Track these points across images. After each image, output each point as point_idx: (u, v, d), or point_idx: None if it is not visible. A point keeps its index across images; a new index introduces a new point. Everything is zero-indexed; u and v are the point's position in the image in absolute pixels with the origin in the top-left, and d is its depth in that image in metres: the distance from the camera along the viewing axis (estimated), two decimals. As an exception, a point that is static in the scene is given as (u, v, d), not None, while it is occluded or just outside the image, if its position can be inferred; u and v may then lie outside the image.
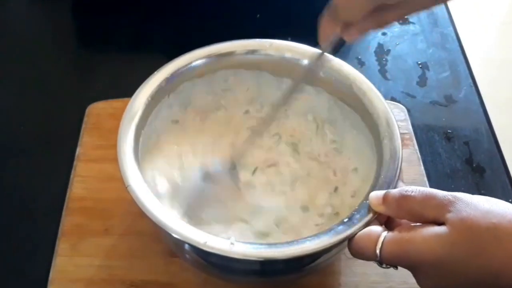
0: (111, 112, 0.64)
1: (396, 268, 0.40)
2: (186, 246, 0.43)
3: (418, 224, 0.39)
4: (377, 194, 0.42)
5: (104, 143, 0.61)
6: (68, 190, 0.58)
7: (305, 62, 0.54)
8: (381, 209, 0.42)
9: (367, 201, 0.43)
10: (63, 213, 0.56)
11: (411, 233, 0.38)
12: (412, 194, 0.39)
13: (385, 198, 0.41)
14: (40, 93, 0.70)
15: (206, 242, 0.41)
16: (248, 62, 0.55)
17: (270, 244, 0.42)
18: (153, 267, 0.53)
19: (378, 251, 0.39)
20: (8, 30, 0.79)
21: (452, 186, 0.61)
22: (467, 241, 0.36)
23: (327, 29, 0.50)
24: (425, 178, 0.60)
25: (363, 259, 0.41)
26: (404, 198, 0.40)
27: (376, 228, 0.41)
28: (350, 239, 0.41)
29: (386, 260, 0.39)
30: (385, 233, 0.40)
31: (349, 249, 0.42)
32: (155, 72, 0.52)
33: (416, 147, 0.63)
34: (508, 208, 0.37)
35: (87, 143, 0.62)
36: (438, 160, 0.63)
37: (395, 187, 0.44)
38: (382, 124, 0.48)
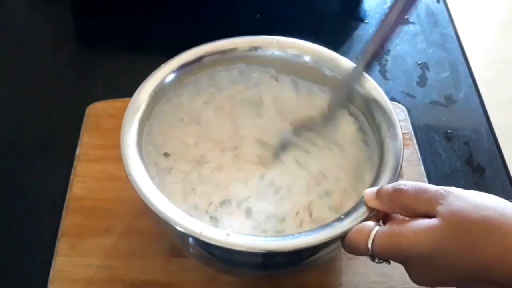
0: (111, 112, 0.64)
1: (389, 262, 0.40)
2: (185, 237, 0.43)
3: (409, 218, 0.39)
4: (371, 190, 0.43)
5: (104, 143, 0.61)
6: (68, 190, 0.58)
7: (308, 59, 0.54)
8: (374, 203, 0.42)
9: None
10: (63, 213, 0.56)
11: (402, 226, 0.38)
12: (405, 188, 0.40)
13: (378, 192, 0.42)
14: (40, 93, 0.70)
15: (202, 232, 0.41)
16: (256, 59, 0.55)
17: (266, 236, 0.42)
18: (153, 267, 0.53)
19: (369, 245, 0.39)
20: (8, 30, 0.79)
21: (452, 186, 0.60)
22: (457, 234, 0.36)
23: None
24: (425, 178, 0.60)
25: (355, 254, 0.41)
26: (396, 192, 0.40)
27: (368, 223, 0.41)
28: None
29: (378, 254, 0.39)
30: (377, 228, 0.40)
31: (342, 244, 0.42)
32: (162, 65, 0.52)
33: (416, 147, 0.63)
34: (499, 202, 0.37)
35: (87, 143, 0.62)
36: (438, 160, 0.63)
37: None
38: (385, 124, 0.49)
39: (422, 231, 0.37)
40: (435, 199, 0.38)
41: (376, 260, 0.40)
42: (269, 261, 0.45)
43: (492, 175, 0.62)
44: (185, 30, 0.77)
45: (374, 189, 0.43)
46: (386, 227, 0.39)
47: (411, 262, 0.39)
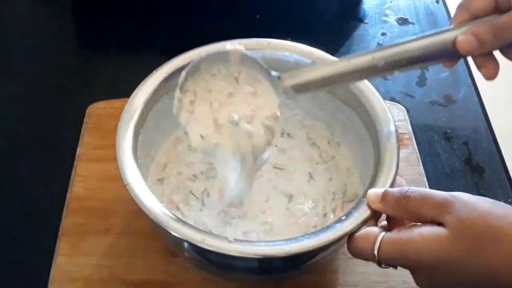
0: (111, 112, 0.64)
1: (396, 267, 0.40)
2: (185, 244, 0.43)
3: (416, 224, 0.39)
4: (376, 192, 0.42)
5: (104, 143, 0.61)
6: (69, 190, 0.58)
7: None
8: (379, 206, 0.42)
9: (365, 199, 0.43)
10: (64, 212, 0.57)
11: (409, 233, 0.38)
12: (412, 194, 0.39)
13: (384, 196, 0.41)
14: (40, 93, 0.70)
15: (204, 240, 0.41)
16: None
17: (268, 242, 0.42)
18: (153, 267, 0.53)
19: (376, 252, 0.39)
20: (9, 30, 0.79)
21: (452, 186, 0.61)
22: (465, 242, 0.36)
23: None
24: (425, 178, 0.60)
25: (363, 259, 0.41)
26: (403, 198, 0.40)
27: (373, 229, 0.41)
28: (348, 238, 0.41)
29: (384, 261, 0.39)
30: (382, 234, 0.40)
31: (349, 249, 0.42)
32: (154, 71, 0.52)
33: (416, 147, 0.63)
34: (507, 210, 0.37)
35: (87, 143, 0.62)
36: (438, 160, 0.63)
37: (393, 185, 0.44)
38: (380, 122, 0.49)
39: (430, 238, 0.37)
40: (442, 206, 0.38)
41: (383, 265, 0.40)
42: (268, 266, 0.45)
43: (491, 174, 0.62)
44: (185, 30, 0.77)
45: (379, 191, 0.42)
46: (393, 234, 0.39)
47: (418, 269, 0.39)
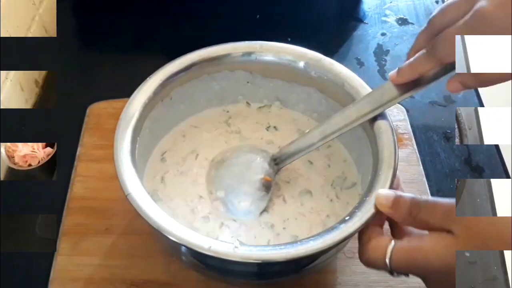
0: (111, 112, 0.64)
1: (408, 275, 0.40)
2: (189, 251, 0.43)
3: (425, 232, 0.39)
4: (386, 195, 0.42)
5: (104, 143, 0.61)
6: (69, 190, 0.58)
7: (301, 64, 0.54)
8: (389, 212, 0.41)
9: (367, 199, 0.43)
10: (64, 212, 0.57)
11: (419, 241, 0.39)
12: (422, 203, 0.39)
13: (396, 202, 0.41)
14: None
15: (210, 247, 0.41)
16: (240, 65, 0.55)
17: (274, 246, 0.42)
18: (153, 266, 0.53)
19: (387, 261, 0.39)
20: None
21: (451, 186, 0.61)
22: (475, 249, 0.36)
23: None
24: (424, 178, 0.60)
25: (376, 269, 0.41)
26: (415, 207, 0.40)
27: (383, 238, 0.41)
28: (360, 250, 0.42)
29: (396, 269, 0.39)
30: (392, 243, 0.40)
31: (361, 261, 0.42)
32: (148, 78, 0.52)
33: (415, 147, 0.63)
34: None
35: (87, 143, 0.62)
36: (437, 160, 0.63)
37: (393, 182, 0.44)
38: (376, 121, 0.49)
39: (440, 247, 0.37)
40: (449, 214, 0.38)
41: (395, 274, 0.40)
42: (274, 269, 0.45)
43: (491, 175, 0.62)
44: (185, 30, 0.77)
45: (390, 195, 0.42)
46: (403, 242, 0.39)
47: (430, 276, 0.39)
